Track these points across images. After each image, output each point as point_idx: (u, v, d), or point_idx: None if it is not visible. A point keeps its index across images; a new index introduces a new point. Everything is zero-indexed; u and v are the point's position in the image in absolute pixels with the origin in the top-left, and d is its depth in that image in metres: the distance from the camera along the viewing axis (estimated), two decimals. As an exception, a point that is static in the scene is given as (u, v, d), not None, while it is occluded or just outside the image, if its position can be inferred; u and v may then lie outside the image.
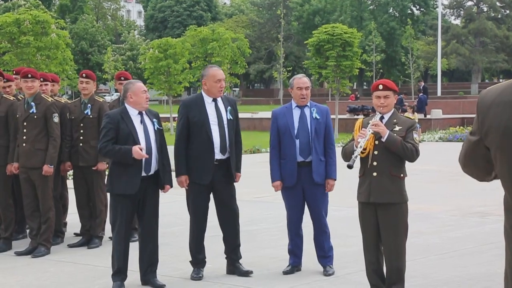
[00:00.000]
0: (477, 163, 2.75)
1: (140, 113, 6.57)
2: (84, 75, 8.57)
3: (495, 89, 2.64)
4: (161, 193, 6.74)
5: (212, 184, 6.76)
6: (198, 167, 6.70)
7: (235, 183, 6.93)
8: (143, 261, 6.65)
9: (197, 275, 6.81)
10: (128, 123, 6.49)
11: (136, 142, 6.44)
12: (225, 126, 6.77)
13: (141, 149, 6.35)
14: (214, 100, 6.81)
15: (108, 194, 6.78)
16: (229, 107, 6.86)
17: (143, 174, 6.49)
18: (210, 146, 6.69)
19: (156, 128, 6.61)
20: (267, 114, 31.07)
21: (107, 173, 8.91)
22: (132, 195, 6.44)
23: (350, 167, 5.77)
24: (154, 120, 6.66)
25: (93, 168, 8.37)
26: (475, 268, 7.13)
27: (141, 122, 6.55)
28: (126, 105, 6.60)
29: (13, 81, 8.81)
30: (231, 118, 6.84)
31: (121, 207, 6.49)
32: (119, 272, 6.53)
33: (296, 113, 6.86)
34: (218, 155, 6.73)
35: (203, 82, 6.83)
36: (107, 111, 8.43)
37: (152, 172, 6.54)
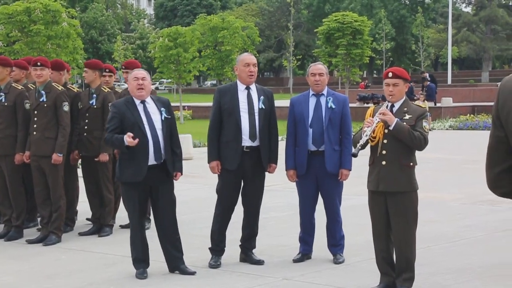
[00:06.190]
0: (503, 160, 2.71)
1: (143, 102, 6.54)
2: (84, 64, 8.74)
3: None
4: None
5: (243, 173, 6.77)
6: (227, 153, 6.74)
7: (270, 174, 6.96)
8: (166, 249, 6.65)
9: (215, 263, 6.83)
10: (133, 112, 6.47)
11: (142, 130, 6.42)
12: (256, 114, 6.77)
13: (133, 138, 6.25)
14: (248, 88, 6.83)
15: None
16: (262, 97, 6.86)
17: (154, 162, 6.47)
18: (238, 132, 6.70)
19: (163, 117, 6.57)
20: (277, 103, 31.03)
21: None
22: (142, 183, 6.44)
23: (354, 155, 5.82)
24: (162, 108, 6.59)
25: (95, 159, 8.38)
26: (486, 256, 7.12)
27: (144, 111, 6.52)
28: (131, 94, 6.62)
29: (28, 69, 8.77)
30: (264, 107, 6.83)
31: (132, 195, 6.52)
32: (138, 260, 6.57)
33: (312, 101, 6.88)
34: (247, 142, 6.73)
35: (235, 68, 6.92)
36: (111, 101, 8.44)
37: (162, 160, 6.54)
